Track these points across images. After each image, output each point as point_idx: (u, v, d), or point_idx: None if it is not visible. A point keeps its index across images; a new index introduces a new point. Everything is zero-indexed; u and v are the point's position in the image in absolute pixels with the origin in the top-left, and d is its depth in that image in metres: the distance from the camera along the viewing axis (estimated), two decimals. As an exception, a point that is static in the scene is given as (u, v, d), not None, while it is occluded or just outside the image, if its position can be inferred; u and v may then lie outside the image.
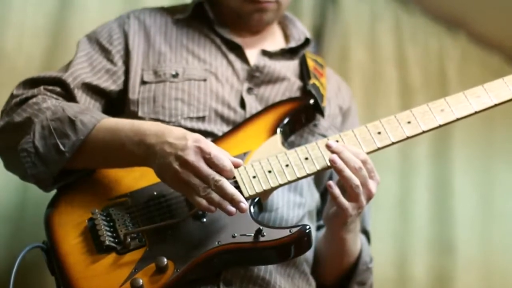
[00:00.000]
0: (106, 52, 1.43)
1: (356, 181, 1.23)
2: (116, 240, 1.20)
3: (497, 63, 3.29)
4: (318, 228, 1.53)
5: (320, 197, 1.52)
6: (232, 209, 1.15)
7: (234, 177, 1.22)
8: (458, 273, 2.77)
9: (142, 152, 1.19)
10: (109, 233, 1.20)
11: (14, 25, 1.86)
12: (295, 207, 1.38)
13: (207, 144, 1.16)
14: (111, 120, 1.27)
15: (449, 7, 2.95)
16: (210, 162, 1.15)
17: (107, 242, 1.19)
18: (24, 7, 1.88)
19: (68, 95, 1.36)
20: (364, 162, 1.25)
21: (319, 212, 1.51)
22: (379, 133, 1.30)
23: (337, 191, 1.25)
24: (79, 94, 1.36)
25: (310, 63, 1.53)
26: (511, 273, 3.00)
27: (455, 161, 2.88)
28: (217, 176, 1.14)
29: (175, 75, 1.40)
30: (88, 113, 1.27)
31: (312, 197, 1.46)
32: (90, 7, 1.98)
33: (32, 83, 1.38)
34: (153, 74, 1.40)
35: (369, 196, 1.27)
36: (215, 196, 1.14)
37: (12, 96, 1.36)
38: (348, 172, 1.23)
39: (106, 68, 1.41)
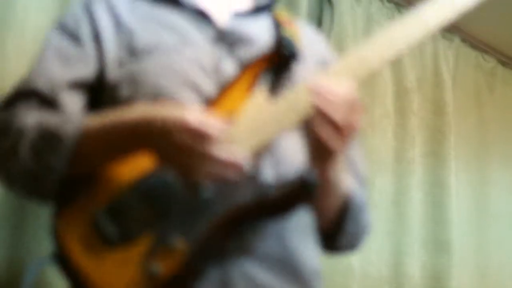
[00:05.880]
0: (73, 37, 1.35)
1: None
2: (124, 237, 1.17)
3: (491, 65, 3.32)
4: None
5: None
6: (235, 174, 1.11)
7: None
8: (453, 272, 2.79)
9: (139, 140, 1.15)
10: (114, 229, 1.18)
11: (15, 27, 1.86)
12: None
13: (193, 116, 1.11)
14: (90, 119, 1.21)
15: (444, 9, 2.97)
16: (196, 134, 1.10)
17: (115, 240, 1.17)
18: (26, 8, 1.88)
19: (47, 103, 1.28)
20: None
21: None
22: None
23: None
24: (59, 97, 1.28)
25: (280, 18, 1.46)
26: (505, 272, 3.03)
27: (450, 161, 2.90)
28: (207, 146, 1.09)
29: (150, 51, 1.33)
30: (67, 123, 1.20)
31: None
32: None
33: (8, 104, 1.28)
34: (127, 53, 1.33)
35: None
36: (213, 167, 1.10)
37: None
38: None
39: (77, 55, 1.33)
